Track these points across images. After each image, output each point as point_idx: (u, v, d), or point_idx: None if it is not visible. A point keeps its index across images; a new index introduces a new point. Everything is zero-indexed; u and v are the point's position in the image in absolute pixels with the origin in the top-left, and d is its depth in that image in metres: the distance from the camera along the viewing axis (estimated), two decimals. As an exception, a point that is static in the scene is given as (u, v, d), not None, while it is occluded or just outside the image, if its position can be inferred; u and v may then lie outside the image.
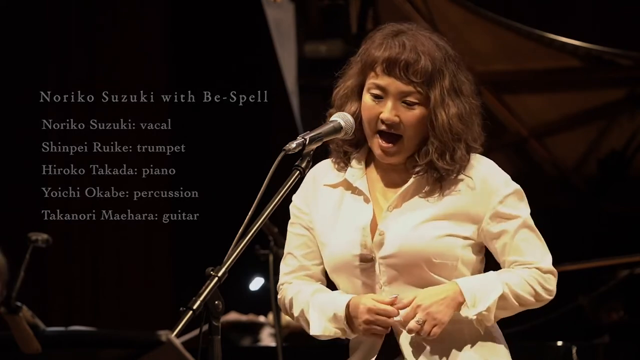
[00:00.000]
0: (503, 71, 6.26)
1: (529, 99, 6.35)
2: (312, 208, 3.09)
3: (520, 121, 6.31)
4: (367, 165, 3.10)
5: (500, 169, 3.05)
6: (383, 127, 2.98)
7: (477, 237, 3.00)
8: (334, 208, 3.06)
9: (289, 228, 3.14)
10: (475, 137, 3.02)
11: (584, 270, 5.69)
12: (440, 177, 2.98)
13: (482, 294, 2.93)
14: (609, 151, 6.32)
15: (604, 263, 5.75)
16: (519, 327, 5.16)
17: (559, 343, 4.81)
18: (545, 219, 5.93)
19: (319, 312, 3.02)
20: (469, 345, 2.97)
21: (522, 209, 3.01)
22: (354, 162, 3.08)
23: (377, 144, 3.00)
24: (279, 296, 3.14)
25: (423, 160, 2.99)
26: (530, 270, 2.98)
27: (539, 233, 3.03)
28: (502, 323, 3.06)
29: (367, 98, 3.01)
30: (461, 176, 2.99)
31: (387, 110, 2.97)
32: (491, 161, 3.05)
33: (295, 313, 3.07)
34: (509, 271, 2.99)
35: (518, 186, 3.03)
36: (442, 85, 2.98)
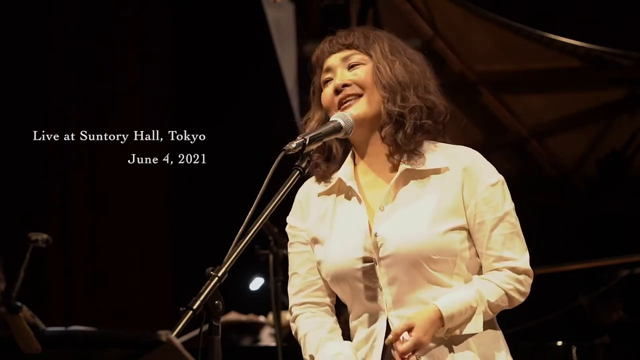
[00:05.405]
0: (503, 71, 6.26)
1: (529, 99, 6.34)
2: (308, 222, 3.11)
3: (520, 121, 6.31)
4: (355, 167, 3.10)
5: (485, 159, 3.05)
6: (340, 96, 3.04)
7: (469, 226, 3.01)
8: (329, 215, 3.07)
9: (288, 249, 3.16)
10: (430, 90, 3.05)
11: (584, 270, 5.68)
12: (414, 151, 3.00)
13: (460, 320, 2.92)
14: (609, 151, 6.32)
15: (604, 263, 5.74)
16: (519, 327, 5.16)
17: (559, 343, 4.81)
18: (545, 219, 5.96)
19: None
20: (470, 345, 2.97)
21: (504, 201, 3.00)
22: (344, 165, 3.10)
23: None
24: (291, 323, 3.16)
25: (387, 123, 3.01)
26: (505, 274, 2.97)
27: (519, 229, 3.01)
28: (503, 323, 3.05)
29: (324, 90, 3.08)
30: (446, 166, 3.00)
31: (337, 78, 3.05)
32: (477, 152, 3.06)
33: (303, 353, 3.10)
34: (485, 282, 2.97)
35: (502, 177, 3.03)
36: (382, 46, 3.06)
